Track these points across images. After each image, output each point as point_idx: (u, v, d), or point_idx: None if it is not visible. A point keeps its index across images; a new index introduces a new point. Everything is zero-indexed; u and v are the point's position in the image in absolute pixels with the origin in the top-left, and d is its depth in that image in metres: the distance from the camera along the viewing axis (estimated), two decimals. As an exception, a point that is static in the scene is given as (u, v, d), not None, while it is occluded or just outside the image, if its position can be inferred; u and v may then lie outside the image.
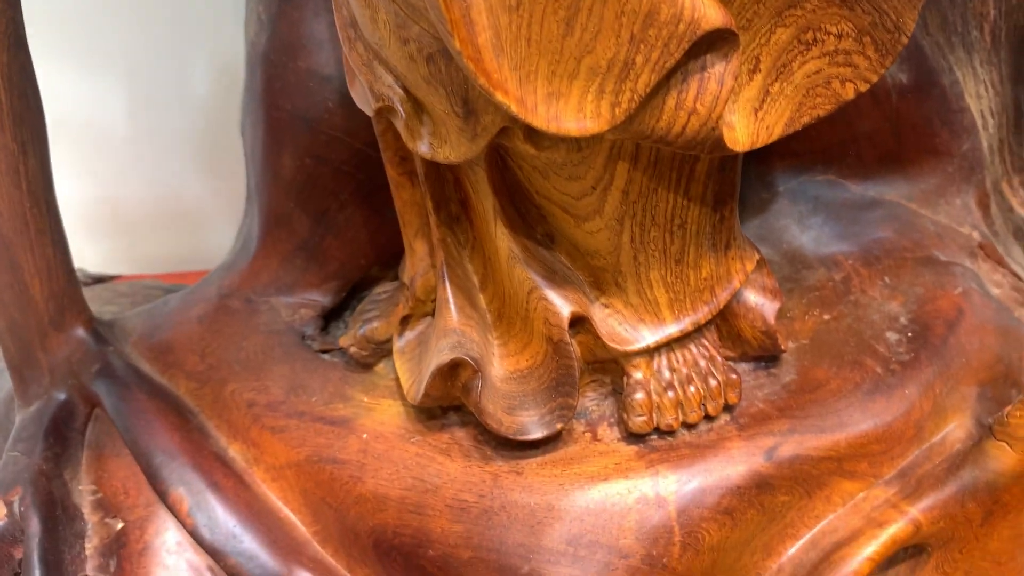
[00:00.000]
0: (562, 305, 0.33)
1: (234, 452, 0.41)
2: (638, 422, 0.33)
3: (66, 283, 0.45)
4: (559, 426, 0.33)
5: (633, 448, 0.34)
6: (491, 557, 0.33)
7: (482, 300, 0.35)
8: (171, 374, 0.44)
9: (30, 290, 0.44)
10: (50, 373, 0.45)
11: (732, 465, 0.34)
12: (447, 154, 0.29)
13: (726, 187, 0.32)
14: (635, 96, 0.26)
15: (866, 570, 0.33)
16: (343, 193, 0.41)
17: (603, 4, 0.25)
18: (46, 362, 0.45)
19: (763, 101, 0.28)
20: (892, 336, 0.38)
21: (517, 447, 0.35)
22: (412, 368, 0.37)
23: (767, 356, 0.37)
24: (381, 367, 0.41)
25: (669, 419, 0.34)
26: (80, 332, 0.46)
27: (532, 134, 0.29)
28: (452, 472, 0.35)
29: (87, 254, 0.69)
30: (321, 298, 0.44)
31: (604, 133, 0.26)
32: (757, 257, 0.35)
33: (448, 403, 0.36)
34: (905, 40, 0.27)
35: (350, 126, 0.39)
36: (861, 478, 0.35)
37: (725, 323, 0.36)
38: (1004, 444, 0.33)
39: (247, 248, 0.45)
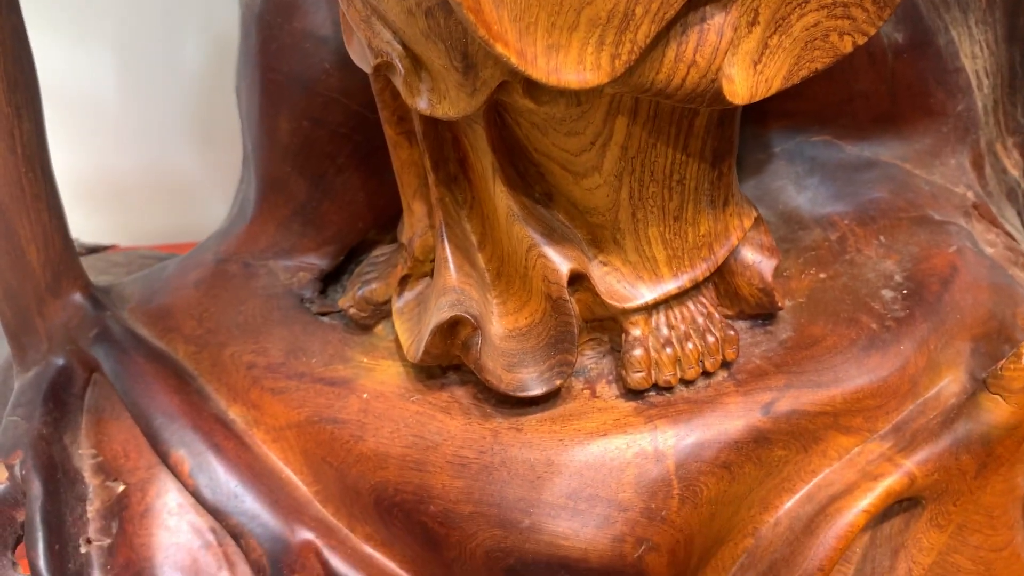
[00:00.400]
0: (561, 262, 0.33)
1: (234, 414, 0.41)
2: (636, 378, 0.34)
3: (62, 249, 0.45)
4: (558, 383, 0.34)
5: (631, 404, 0.35)
6: (492, 511, 0.34)
7: (480, 259, 0.36)
8: (169, 338, 0.44)
9: (26, 256, 0.44)
10: (48, 339, 0.45)
11: (730, 420, 0.34)
12: (446, 110, 0.30)
13: (724, 143, 0.32)
14: (635, 48, 0.26)
15: (861, 522, 0.34)
16: (340, 156, 0.41)
17: (603, -46, 0.24)
18: (43, 328, 0.45)
19: (762, 54, 0.28)
20: (887, 294, 0.38)
21: (516, 404, 0.35)
22: (411, 327, 0.37)
23: (764, 314, 0.37)
24: (380, 328, 0.41)
25: (667, 375, 0.34)
26: (77, 298, 0.46)
27: (531, 88, 0.29)
28: (452, 429, 0.35)
29: (81, 226, 0.69)
30: (319, 261, 0.44)
31: (604, 86, 0.26)
32: (755, 214, 0.35)
33: (447, 362, 0.36)
34: (903, -9, 0.27)
35: (347, 87, 0.39)
36: (856, 433, 0.35)
37: (723, 281, 0.36)
38: (998, 397, 0.33)
39: (244, 212, 0.45)
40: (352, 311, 0.40)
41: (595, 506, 0.33)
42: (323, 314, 0.43)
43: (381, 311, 0.40)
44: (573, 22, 0.25)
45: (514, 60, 0.25)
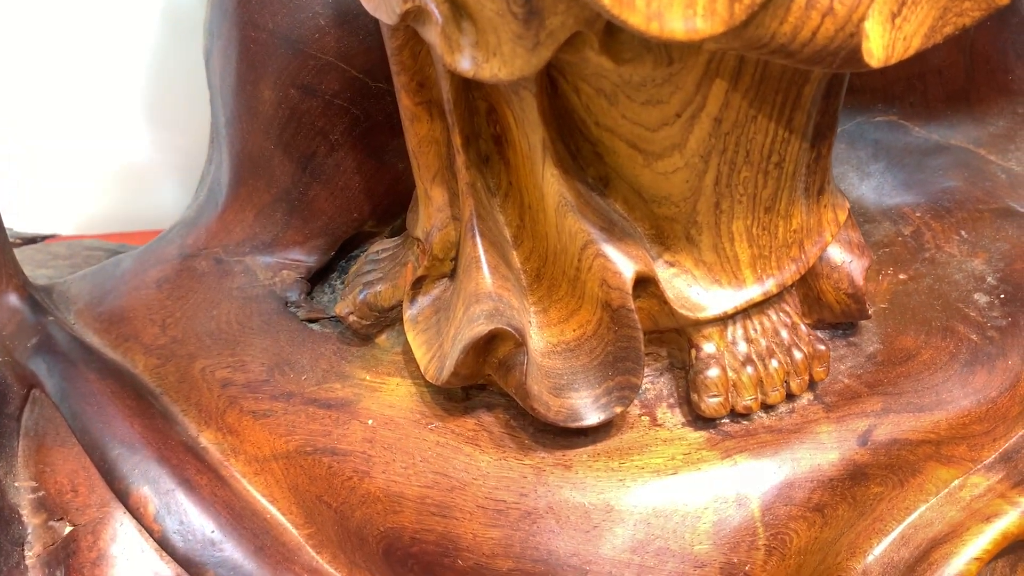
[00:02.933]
0: (624, 264, 0.27)
1: (206, 441, 0.34)
2: (712, 404, 0.28)
3: (-5, 243, 0.38)
4: (618, 410, 0.27)
5: (703, 435, 0.29)
6: (537, 569, 0.27)
7: (516, 258, 0.29)
8: (126, 348, 0.37)
9: (-51, 250, 0.37)
10: (-23, 350, 0.38)
11: (822, 453, 0.28)
12: (495, 70, 0.23)
13: (828, 117, 0.26)
14: (762, -12, 0.20)
15: (973, 571, 0.29)
16: (334, 132, 0.35)
17: None
18: (-29, 337, 0.38)
19: (902, 4, 0.22)
20: (981, 298, 0.33)
21: (561, 435, 0.29)
22: (429, 340, 0.30)
23: (844, 323, 0.31)
24: (383, 339, 0.34)
25: (747, 400, 0.28)
26: (12, 299, 0.38)
27: (611, 42, 0.23)
28: (483, 466, 0.29)
29: (14, 213, 0.61)
30: (305, 258, 0.37)
31: (717, 37, 0.20)
32: (848, 206, 0.29)
33: (474, 382, 0.30)
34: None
35: (345, 49, 0.33)
36: (958, 463, 0.30)
37: (803, 284, 0.30)
38: None
39: (213, 199, 0.38)
40: (352, 318, 0.33)
41: (666, 561, 0.27)
42: (312, 320, 0.36)
43: (385, 318, 0.34)
44: (685, -47, 0.19)
45: (614, 9, 0.19)
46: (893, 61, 0.22)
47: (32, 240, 0.55)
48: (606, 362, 0.28)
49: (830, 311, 0.31)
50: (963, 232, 0.36)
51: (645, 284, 0.27)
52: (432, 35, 0.24)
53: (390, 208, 0.37)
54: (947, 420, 0.29)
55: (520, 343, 0.27)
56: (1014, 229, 0.36)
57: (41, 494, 0.36)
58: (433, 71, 0.28)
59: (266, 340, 0.35)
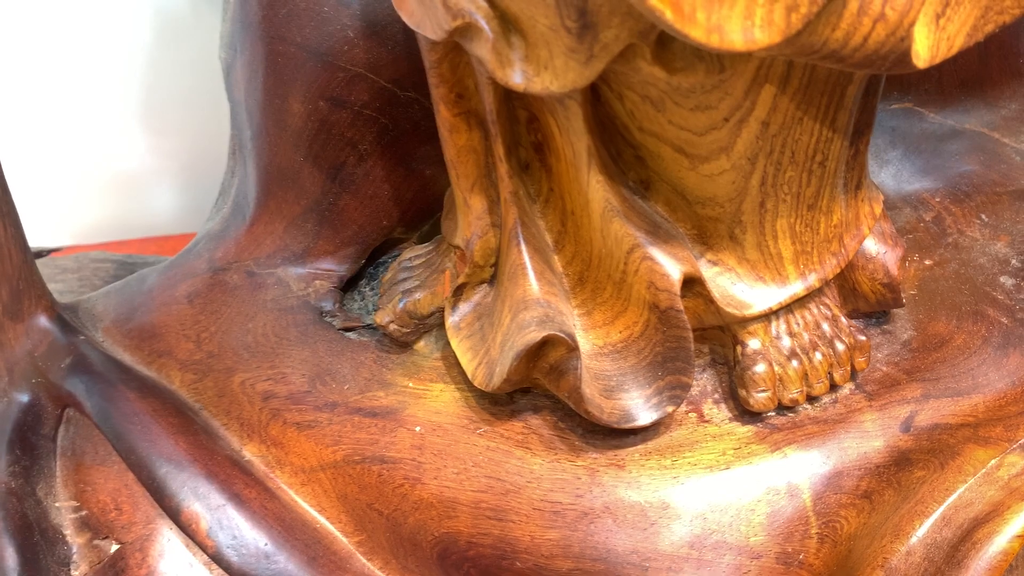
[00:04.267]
0: (671, 266, 0.27)
1: (250, 455, 0.34)
2: (761, 399, 0.28)
3: (21, 263, 0.38)
4: (670, 409, 0.28)
5: (751, 428, 0.29)
6: (597, 568, 0.28)
7: (558, 263, 0.30)
8: (160, 364, 0.37)
9: (-22, 276, 0.36)
10: (8, 372, 0.38)
11: (868, 441, 0.29)
12: (547, 83, 0.23)
13: (867, 115, 0.27)
14: (817, -2, 0.20)
15: (1016, 548, 0.29)
16: (363, 142, 0.35)
17: None
18: (2, 359, 0.38)
19: (946, 5, 0.22)
20: (1008, 281, 0.34)
21: (611, 435, 0.30)
22: (474, 346, 0.31)
23: (879, 312, 0.32)
24: (422, 345, 0.35)
25: (794, 393, 0.29)
26: (42, 321, 0.38)
27: (663, 52, 0.23)
28: (536, 469, 0.29)
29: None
30: (337, 267, 0.37)
31: (775, 46, 0.21)
32: (882, 198, 0.30)
33: (521, 387, 0.31)
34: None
35: (374, 59, 0.33)
36: (995, 444, 0.31)
37: (839, 276, 0.31)
38: None
39: (241, 212, 0.38)
40: (392, 327, 0.33)
41: (723, 555, 0.28)
42: (348, 329, 0.36)
43: (424, 325, 0.34)
44: (744, -34, 0.20)
45: (669, 16, 0.19)
46: (937, 61, 0.23)
47: (38, 254, 0.55)
48: (655, 362, 0.28)
49: (865, 301, 0.31)
50: (983, 216, 0.36)
51: (691, 284, 0.28)
52: (482, 50, 0.24)
53: (418, 214, 0.37)
54: (984, 403, 0.30)
55: (572, 348, 0.27)
56: (1033, 211, 0.36)
57: (84, 513, 0.36)
58: (471, 82, 0.29)
59: (305, 351, 0.35)
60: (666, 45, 0.23)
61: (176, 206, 0.77)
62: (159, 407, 0.35)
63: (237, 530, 0.33)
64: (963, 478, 0.31)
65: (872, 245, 0.30)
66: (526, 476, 0.29)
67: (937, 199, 0.37)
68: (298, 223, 0.37)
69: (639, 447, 0.29)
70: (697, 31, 0.20)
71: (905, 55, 0.22)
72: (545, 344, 0.28)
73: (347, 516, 0.33)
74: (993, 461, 0.31)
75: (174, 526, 0.34)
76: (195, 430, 0.35)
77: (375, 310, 0.37)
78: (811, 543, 0.28)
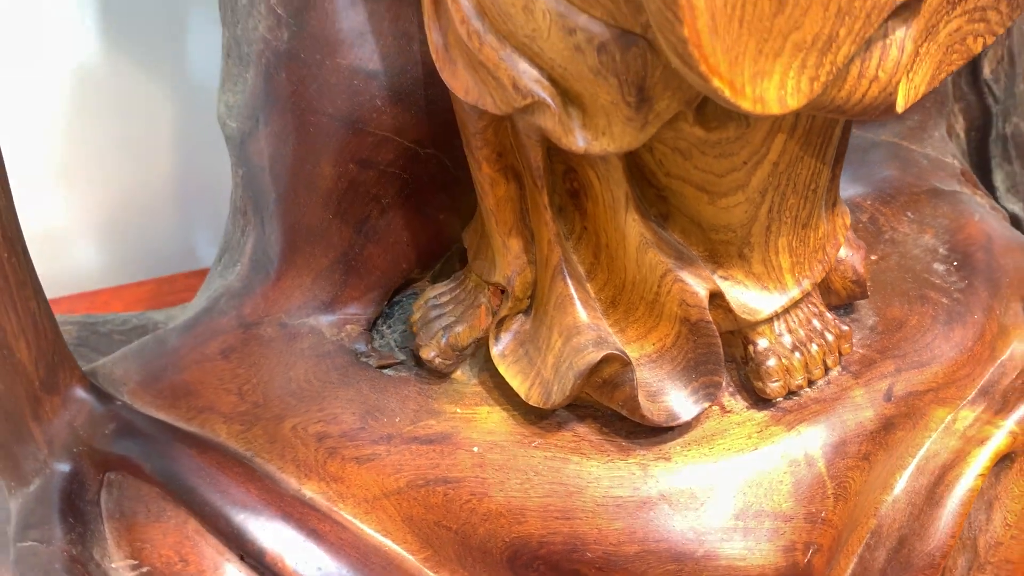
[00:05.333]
0: (698, 285, 0.32)
1: (310, 493, 0.37)
2: (775, 387, 0.34)
3: (55, 337, 0.39)
4: (706, 404, 0.33)
5: (766, 414, 0.35)
6: (661, 547, 0.33)
7: (591, 289, 0.34)
8: (202, 420, 0.39)
9: (16, 354, 0.38)
10: (48, 444, 0.39)
11: (861, 412, 0.35)
12: (605, 146, 0.28)
13: (843, 146, 0.33)
14: (833, 68, 0.26)
15: (979, 485, 0.36)
16: (386, 196, 0.38)
17: (817, -21, 0.24)
18: (41, 433, 0.39)
19: (914, 63, 0.28)
20: (940, 267, 0.41)
21: (652, 433, 0.34)
22: (523, 370, 0.35)
23: (847, 303, 0.38)
24: (459, 374, 0.38)
25: (799, 379, 0.35)
26: (78, 391, 0.40)
27: (703, 116, 0.28)
28: (593, 470, 0.34)
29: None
30: (363, 311, 0.41)
31: (800, 108, 0.26)
32: (848, 211, 0.36)
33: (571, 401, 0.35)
34: (1036, -8, 0.28)
35: (400, 123, 0.36)
36: (950, 402, 0.38)
37: (817, 278, 0.37)
38: (1082, 351, 0.36)
39: (263, 268, 0.41)
40: (437, 360, 0.37)
41: (763, 522, 0.33)
42: (384, 366, 0.39)
43: (462, 356, 0.38)
44: (779, 48, 0.25)
45: (727, 92, 0.24)
46: (908, 106, 0.29)
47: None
48: (688, 367, 0.33)
49: (837, 296, 0.37)
50: (909, 213, 0.43)
51: (713, 298, 0.33)
52: (547, 122, 0.28)
53: (432, 256, 0.41)
54: (942, 370, 0.37)
55: (627, 363, 0.32)
56: (946, 205, 0.44)
57: (146, 570, 0.38)
58: (508, 141, 0.33)
59: (349, 391, 0.38)
60: (703, 108, 0.28)
61: (101, 261, 0.77)
62: (221, 459, 0.37)
63: (320, 562, 0.35)
64: (928, 434, 0.38)
65: (842, 250, 0.36)
66: (585, 478, 0.34)
67: (868, 202, 0.44)
68: (325, 274, 0.40)
69: (679, 440, 0.34)
70: (746, 102, 0.25)
71: (891, 106, 0.28)
72: (600, 362, 0.32)
73: (413, 536, 0.36)
74: (949, 417, 0.38)
75: (241, 568, 0.37)
76: (258, 476, 0.37)
77: (397, 346, 0.41)
78: (829, 502, 0.34)
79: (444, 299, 0.39)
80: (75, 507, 0.39)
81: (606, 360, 0.32)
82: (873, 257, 0.41)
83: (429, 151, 0.38)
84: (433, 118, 0.37)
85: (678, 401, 0.33)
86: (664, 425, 0.33)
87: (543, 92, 0.28)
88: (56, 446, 0.39)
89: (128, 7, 0.64)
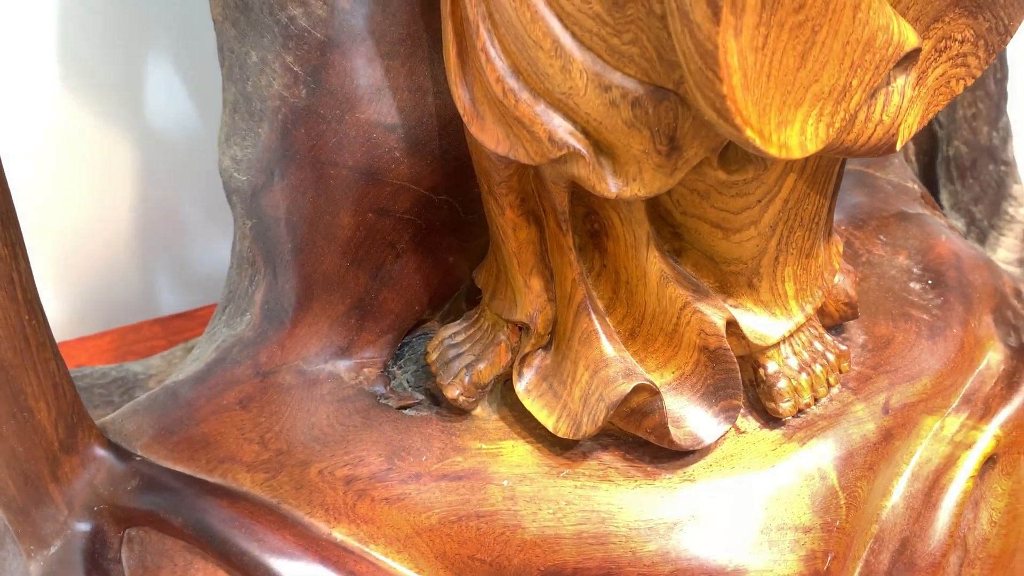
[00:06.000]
0: (716, 316, 0.35)
1: (342, 535, 0.38)
2: (787, 407, 0.36)
3: (74, 398, 0.39)
4: (727, 427, 0.35)
5: (777, 432, 0.37)
6: (693, 565, 0.35)
7: (609, 323, 0.36)
8: (224, 470, 0.40)
9: (36, 416, 0.38)
10: (68, 505, 0.39)
11: (863, 425, 0.38)
12: (636, 191, 0.30)
13: (839, 180, 0.35)
14: (846, 115, 0.28)
15: (971, 486, 0.39)
16: (400, 242, 0.40)
17: (834, 36, 0.27)
18: (60, 493, 0.39)
19: (911, 105, 0.31)
20: (916, 286, 0.44)
21: (675, 457, 0.36)
22: (549, 404, 0.37)
23: (838, 324, 0.41)
24: (479, 411, 0.40)
25: (806, 399, 0.37)
26: (97, 450, 0.40)
27: (725, 160, 0.30)
28: (623, 496, 0.36)
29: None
30: (379, 354, 0.42)
31: (817, 152, 0.28)
32: (839, 239, 0.39)
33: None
34: (1009, 40, 0.32)
35: (416, 173, 0.38)
36: (937, 411, 0.41)
37: (813, 302, 0.39)
38: (1054, 357, 0.40)
39: (276, 318, 0.42)
40: (462, 398, 0.38)
41: (785, 534, 0.35)
42: (404, 407, 0.41)
43: (483, 393, 0.39)
44: (801, 99, 0.27)
45: (758, 141, 0.27)
46: (904, 143, 0.32)
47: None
48: (708, 392, 0.35)
49: (830, 318, 0.40)
50: (882, 236, 0.47)
51: (728, 326, 0.35)
52: (580, 171, 0.30)
53: (443, 297, 0.43)
54: (930, 381, 0.40)
55: (655, 392, 0.34)
56: (914, 227, 0.47)
57: (177, 624, 0.38)
58: (530, 188, 0.35)
59: (373, 433, 0.39)
60: (725, 153, 0.30)
61: (61, 312, 0.76)
62: (252, 508, 0.38)
63: (359, 603, 0.36)
64: (920, 441, 0.40)
65: (836, 275, 0.39)
66: (616, 503, 0.35)
67: (843, 227, 0.47)
68: (342, 320, 0.41)
69: (701, 462, 0.36)
70: (773, 148, 0.27)
71: (893, 145, 0.30)
72: (631, 392, 0.34)
73: (445, 571, 0.37)
74: (937, 424, 0.41)
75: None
76: (291, 523, 0.38)
77: (411, 386, 0.42)
78: (842, 511, 0.36)
79: (459, 338, 0.40)
80: (99, 567, 0.39)
81: (635, 390, 0.34)
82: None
83: (442, 197, 0.39)
84: (447, 166, 0.38)
85: (701, 425, 0.35)
86: (690, 449, 0.35)
87: (578, 144, 0.30)
88: (76, 506, 0.39)
89: (86, 55, 0.64)
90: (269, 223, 0.41)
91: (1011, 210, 0.66)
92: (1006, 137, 0.64)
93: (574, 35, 0.28)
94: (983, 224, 0.66)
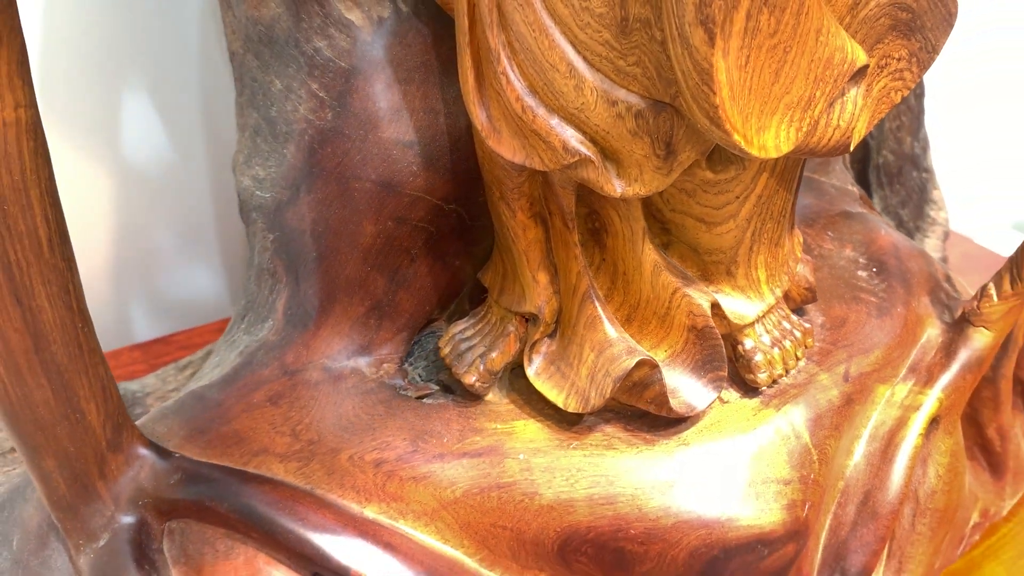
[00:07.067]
0: (702, 298, 0.40)
1: (373, 514, 0.42)
2: (763, 378, 0.42)
3: (118, 400, 0.42)
4: (716, 394, 0.41)
5: (756, 400, 0.43)
6: (693, 517, 0.40)
7: (608, 310, 0.41)
8: (259, 462, 0.43)
9: (87, 417, 0.41)
10: (114, 500, 0.42)
11: (828, 391, 0.43)
12: (637, 190, 0.35)
13: (801, 178, 0.41)
14: (811, 121, 0.34)
15: (920, 443, 0.45)
16: (415, 247, 0.44)
17: (801, 55, 0.32)
18: (107, 490, 0.42)
19: (856, 110, 0.37)
20: (863, 274, 0.50)
21: (669, 425, 0.41)
22: (558, 384, 0.41)
23: (799, 307, 0.47)
24: (491, 396, 0.44)
25: (780, 370, 0.43)
26: (140, 449, 0.43)
27: (711, 161, 0.36)
28: (628, 462, 0.41)
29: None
30: (396, 351, 0.46)
31: (788, 152, 0.34)
32: (799, 232, 0.44)
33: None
34: (936, 56, 0.38)
35: (430, 184, 0.42)
36: (888, 380, 0.47)
37: (779, 288, 0.45)
38: (983, 328, 0.46)
39: (299, 322, 0.46)
40: (477, 384, 0.43)
41: (769, 486, 0.40)
42: (422, 396, 0.45)
43: (495, 379, 0.44)
44: (775, 108, 0.33)
45: (743, 143, 0.32)
46: (856, 144, 0.38)
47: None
48: (697, 366, 0.41)
49: (793, 301, 0.46)
50: (829, 232, 0.53)
51: (712, 308, 0.41)
52: (589, 174, 0.35)
53: (450, 297, 0.47)
54: (881, 354, 0.46)
55: (655, 366, 0.39)
56: (857, 224, 0.54)
57: (221, 605, 0.41)
58: (537, 193, 0.40)
59: (397, 421, 0.43)
60: (711, 155, 0.36)
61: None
62: (292, 491, 0.42)
63: (398, 573, 0.40)
64: (875, 407, 0.46)
65: (798, 264, 0.45)
66: (622, 467, 0.40)
67: (796, 223, 0.53)
68: (362, 320, 0.45)
69: (693, 428, 0.41)
70: (754, 150, 0.33)
71: (848, 146, 0.36)
72: (634, 367, 0.39)
73: (469, 540, 0.42)
74: (888, 391, 0.47)
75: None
76: (329, 503, 0.42)
77: (422, 379, 0.46)
78: (815, 466, 0.42)
79: (469, 333, 0.45)
80: (146, 555, 0.42)
81: (638, 365, 0.39)
82: (809, 270, 0.50)
83: (452, 206, 0.44)
84: (456, 177, 0.43)
85: (693, 394, 0.40)
86: (685, 415, 0.40)
87: (588, 151, 0.35)
88: (122, 501, 0.42)
89: (61, 87, 0.67)
90: (293, 235, 0.45)
91: (932, 213, 0.74)
92: (925, 147, 0.72)
93: (585, 59, 0.33)
94: (909, 226, 0.73)
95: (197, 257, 0.82)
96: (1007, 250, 0.80)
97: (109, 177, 0.73)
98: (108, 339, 0.80)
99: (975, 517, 0.51)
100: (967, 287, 0.58)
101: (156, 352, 0.81)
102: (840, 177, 0.57)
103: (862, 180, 0.69)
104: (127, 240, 0.78)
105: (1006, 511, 0.55)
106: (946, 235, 0.73)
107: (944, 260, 0.72)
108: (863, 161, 0.68)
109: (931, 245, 0.73)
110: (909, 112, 0.68)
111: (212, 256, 0.84)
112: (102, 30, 0.65)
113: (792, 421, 0.42)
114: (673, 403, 0.40)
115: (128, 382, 0.67)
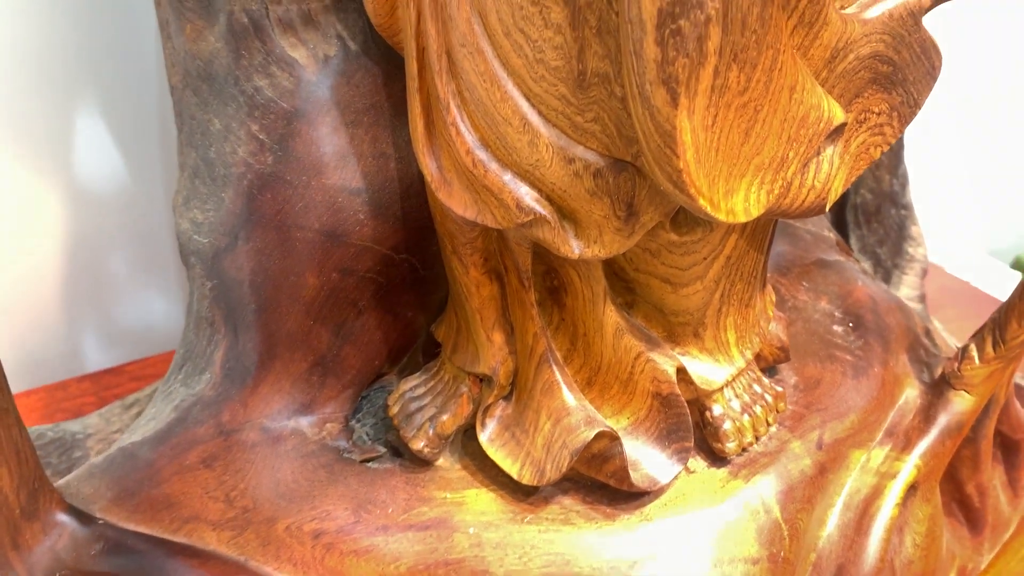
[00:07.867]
0: (667, 364, 0.37)
1: (311, 589, 0.39)
2: (731, 447, 0.39)
3: (36, 464, 0.39)
4: (680, 468, 0.38)
5: (723, 471, 0.40)
6: (655, 599, 0.37)
7: (568, 373, 0.38)
8: (189, 530, 0.40)
9: (-3, 483, 0.38)
10: (28, 573, 0.39)
11: (800, 461, 0.41)
12: (596, 252, 0.33)
13: (773, 236, 0.39)
14: (784, 183, 0.31)
15: (896, 513, 0.43)
16: (362, 300, 0.41)
17: (773, 115, 0.30)
18: (21, 562, 0.39)
19: (832, 170, 0.35)
20: (838, 328, 0.48)
21: (631, 498, 0.39)
22: (512, 452, 0.38)
23: (771, 366, 0.44)
24: (441, 461, 0.41)
25: (750, 438, 0.40)
26: (58, 515, 0.40)
27: (676, 223, 0.33)
28: (587, 539, 0.38)
29: None
30: (341, 409, 0.43)
31: (759, 215, 0.31)
32: (772, 290, 0.42)
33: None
34: (918, 111, 0.36)
35: (379, 234, 0.39)
36: (863, 444, 0.44)
37: (750, 347, 0.42)
38: (963, 392, 0.44)
39: (238, 377, 0.42)
40: (426, 450, 0.40)
41: (737, 566, 0.38)
42: (367, 460, 0.42)
43: (446, 443, 0.41)
44: (744, 170, 0.30)
45: (709, 208, 0.30)
46: (831, 203, 0.35)
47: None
48: (661, 435, 0.38)
49: (764, 360, 0.43)
50: (804, 283, 0.50)
51: (678, 373, 0.38)
52: (544, 234, 0.33)
53: (401, 351, 0.44)
54: (858, 418, 0.43)
55: (615, 438, 0.36)
56: (833, 274, 0.51)
57: None
58: (493, 247, 0.37)
59: (339, 488, 0.40)
60: (676, 217, 0.33)
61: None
62: (221, 566, 0.38)
63: (334, 655, 0.37)
64: (849, 473, 0.44)
65: (771, 323, 0.42)
66: (580, 545, 0.37)
67: (770, 274, 0.51)
68: (304, 377, 0.42)
69: (656, 502, 0.38)
70: (721, 214, 0.30)
71: (823, 207, 0.34)
72: (592, 439, 0.36)
73: (415, 619, 0.39)
74: (864, 457, 0.44)
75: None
76: (261, 579, 0.38)
77: (370, 439, 0.43)
78: (786, 543, 0.39)
79: (420, 391, 0.42)
80: (62, 634, 0.38)
81: (597, 437, 0.36)
82: (783, 324, 0.48)
83: (403, 256, 0.41)
84: (408, 226, 0.40)
85: (656, 467, 0.38)
86: (647, 490, 0.37)
87: (543, 210, 0.32)
88: (37, 573, 0.39)
89: (15, 109, 0.64)
90: (231, 284, 0.41)
91: (911, 250, 0.72)
92: (904, 183, 0.70)
93: (540, 113, 0.30)
94: (887, 264, 0.71)
95: (152, 283, 0.79)
96: (984, 280, 0.78)
97: (61, 198, 0.70)
98: (57, 369, 0.77)
99: (953, 579, 0.49)
100: (946, 337, 0.55)
101: (107, 383, 0.77)
102: (816, 222, 0.55)
103: (839, 219, 0.67)
104: (78, 265, 0.74)
105: (984, 565, 0.52)
106: (924, 272, 0.71)
107: (922, 298, 0.70)
108: (840, 201, 0.66)
109: (910, 283, 0.70)
110: (888, 149, 0.66)
111: (168, 282, 0.81)
112: (56, 45, 0.62)
113: (762, 494, 0.39)
114: (634, 477, 0.37)
115: (69, 422, 0.63)
